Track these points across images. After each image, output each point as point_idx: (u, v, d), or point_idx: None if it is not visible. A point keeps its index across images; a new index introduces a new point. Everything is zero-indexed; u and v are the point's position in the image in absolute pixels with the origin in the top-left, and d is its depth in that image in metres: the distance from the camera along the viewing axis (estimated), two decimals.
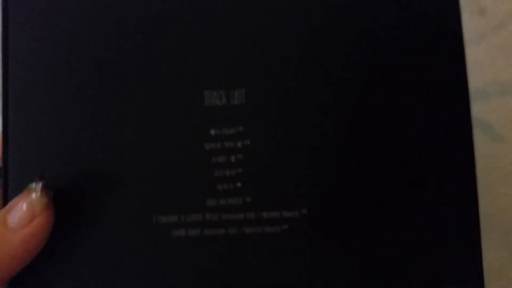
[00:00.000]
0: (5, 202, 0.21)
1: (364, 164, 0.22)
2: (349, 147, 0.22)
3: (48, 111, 0.22)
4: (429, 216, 0.21)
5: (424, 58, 0.22)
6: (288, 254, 0.21)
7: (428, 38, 0.22)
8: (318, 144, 0.22)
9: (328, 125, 0.22)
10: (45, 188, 0.20)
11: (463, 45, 0.22)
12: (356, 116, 0.22)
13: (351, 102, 0.22)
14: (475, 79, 0.40)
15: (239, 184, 0.22)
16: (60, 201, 0.21)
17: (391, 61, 0.22)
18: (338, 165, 0.22)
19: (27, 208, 0.20)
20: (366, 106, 0.22)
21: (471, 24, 0.39)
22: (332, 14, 0.22)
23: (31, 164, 0.22)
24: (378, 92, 0.22)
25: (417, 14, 0.22)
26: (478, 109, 0.39)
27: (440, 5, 0.22)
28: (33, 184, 0.20)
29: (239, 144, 0.22)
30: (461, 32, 0.22)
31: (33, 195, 0.20)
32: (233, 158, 0.22)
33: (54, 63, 0.22)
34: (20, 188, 0.20)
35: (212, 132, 0.22)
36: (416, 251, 0.21)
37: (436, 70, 0.22)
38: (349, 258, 0.21)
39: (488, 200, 0.37)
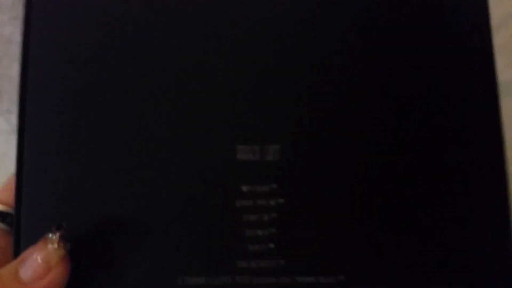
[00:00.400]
0: (17, 253, 0.20)
1: (402, 226, 0.20)
2: (386, 210, 0.21)
3: (66, 154, 0.21)
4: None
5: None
6: None
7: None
8: (355, 204, 0.21)
9: (364, 183, 0.21)
10: (62, 239, 0.19)
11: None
12: (393, 174, 0.21)
13: (384, 154, 0.21)
14: None
15: (272, 245, 0.20)
16: (78, 252, 0.20)
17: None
18: (376, 228, 0.20)
19: (42, 260, 0.18)
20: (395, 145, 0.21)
21: None
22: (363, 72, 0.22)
23: (46, 212, 0.20)
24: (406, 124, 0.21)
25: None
26: None
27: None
28: (50, 235, 0.19)
29: (272, 202, 0.21)
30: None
31: (49, 246, 0.18)
32: (266, 217, 0.20)
33: (70, 105, 0.21)
34: (33, 238, 0.19)
35: (244, 188, 0.21)
36: None
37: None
38: None
39: None
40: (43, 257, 0.18)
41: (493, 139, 0.21)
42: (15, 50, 0.37)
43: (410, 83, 0.22)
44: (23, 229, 0.20)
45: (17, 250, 0.20)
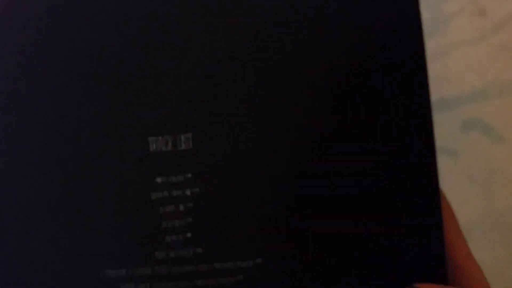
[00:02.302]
0: None
1: (316, 206, 0.20)
2: (300, 189, 0.20)
3: None
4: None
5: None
6: None
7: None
8: (271, 189, 0.20)
9: (279, 168, 0.20)
10: None
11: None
12: (305, 155, 0.20)
13: (306, 144, 0.20)
14: (475, 80, 0.38)
15: (189, 235, 0.21)
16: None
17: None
18: (291, 210, 0.20)
19: None
20: (320, 146, 0.20)
21: (471, 25, 0.38)
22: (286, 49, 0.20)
23: None
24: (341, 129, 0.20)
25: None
26: (478, 110, 0.38)
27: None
28: None
29: (187, 192, 0.21)
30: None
31: None
32: (181, 207, 0.21)
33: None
34: None
35: (159, 180, 0.21)
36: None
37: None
38: None
39: (488, 200, 0.37)
40: None
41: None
42: None
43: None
44: None
45: None
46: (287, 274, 0.20)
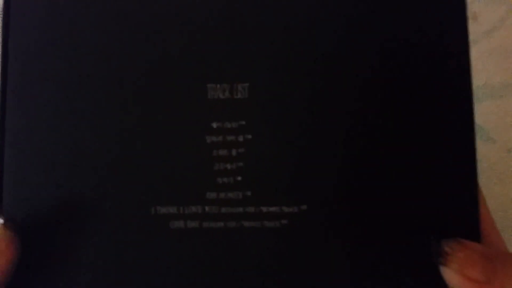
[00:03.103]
0: None
1: (363, 161, 0.22)
2: (348, 144, 0.22)
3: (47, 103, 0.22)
4: (430, 212, 0.22)
5: (429, 62, 0.22)
6: (286, 249, 0.22)
7: (434, 43, 0.22)
8: (319, 140, 0.22)
9: (329, 122, 0.22)
10: (7, 223, 0.20)
11: (468, 52, 0.23)
12: (357, 114, 0.22)
13: (352, 99, 0.22)
14: None
15: (239, 178, 0.22)
16: (60, 191, 0.21)
17: (395, 61, 0.22)
18: (338, 162, 0.22)
19: None
20: (366, 104, 0.22)
21: None
22: (335, 13, 0.22)
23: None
24: (379, 91, 0.22)
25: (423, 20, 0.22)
26: None
27: (446, 10, 0.22)
28: None
29: (240, 138, 0.22)
30: (467, 40, 0.22)
31: None
32: (234, 152, 0.22)
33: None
34: None
35: (214, 125, 0.22)
36: (417, 245, 0.22)
37: (440, 74, 0.22)
38: (348, 255, 0.22)
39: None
40: None
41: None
42: None
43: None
44: None
45: None
46: (329, 224, 0.22)
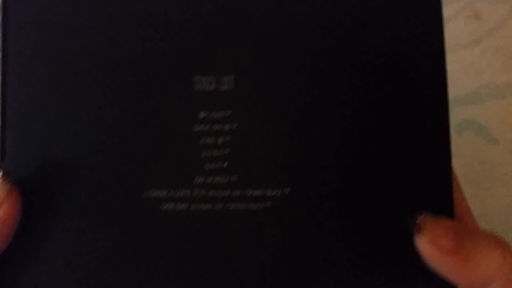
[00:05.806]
0: None
1: (344, 146, 0.23)
2: (329, 130, 0.23)
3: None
4: (407, 187, 0.23)
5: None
6: (270, 230, 0.23)
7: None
8: (301, 128, 0.23)
9: (311, 110, 0.23)
10: (5, 175, 0.20)
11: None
12: (337, 101, 0.23)
13: (333, 87, 0.23)
14: (470, 82, 0.40)
15: (225, 164, 0.23)
16: (49, 174, 0.23)
17: (376, 58, 0.23)
18: (319, 147, 0.23)
19: None
20: (347, 92, 0.23)
21: (466, 28, 0.40)
22: (319, 4, 0.24)
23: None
24: (359, 82, 0.23)
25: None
26: (473, 112, 0.40)
27: (422, 14, 0.24)
28: None
29: (226, 127, 0.23)
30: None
31: None
32: (220, 140, 0.23)
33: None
34: None
35: (201, 115, 0.23)
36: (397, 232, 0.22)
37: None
38: (329, 235, 0.23)
39: (484, 200, 0.39)
40: None
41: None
42: None
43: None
44: None
45: None
46: (311, 206, 0.23)
